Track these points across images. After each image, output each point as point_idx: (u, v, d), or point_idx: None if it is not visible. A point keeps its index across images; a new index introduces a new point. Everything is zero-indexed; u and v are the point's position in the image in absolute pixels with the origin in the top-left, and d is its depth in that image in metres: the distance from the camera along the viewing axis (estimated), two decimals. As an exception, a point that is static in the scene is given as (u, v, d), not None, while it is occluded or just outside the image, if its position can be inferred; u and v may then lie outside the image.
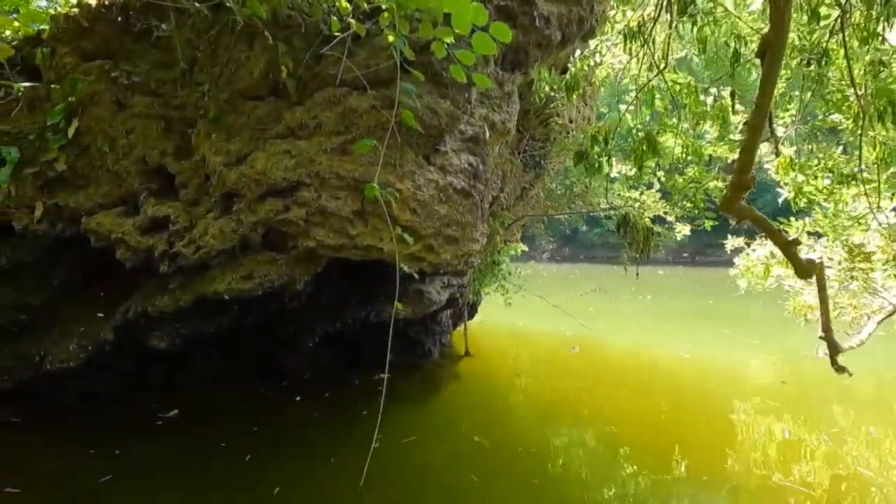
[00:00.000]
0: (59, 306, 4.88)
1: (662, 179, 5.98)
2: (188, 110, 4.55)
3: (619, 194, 7.31)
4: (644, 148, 4.31)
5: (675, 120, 4.43)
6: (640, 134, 4.37)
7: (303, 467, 4.17)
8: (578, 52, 6.08)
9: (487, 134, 4.92)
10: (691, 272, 24.81)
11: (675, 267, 30.27)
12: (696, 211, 4.73)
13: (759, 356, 8.00)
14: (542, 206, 7.38)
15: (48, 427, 4.42)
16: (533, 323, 9.63)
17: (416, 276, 3.93)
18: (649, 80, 4.16)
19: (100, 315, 4.68)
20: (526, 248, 8.00)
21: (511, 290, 8.13)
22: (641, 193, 7.14)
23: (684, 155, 4.41)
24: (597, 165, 4.44)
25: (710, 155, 4.73)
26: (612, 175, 5.14)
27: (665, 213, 6.62)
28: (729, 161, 4.64)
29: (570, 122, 7.35)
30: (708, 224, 4.74)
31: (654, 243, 4.92)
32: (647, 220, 5.05)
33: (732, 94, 3.32)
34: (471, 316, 8.38)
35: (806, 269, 3.33)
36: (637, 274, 5.18)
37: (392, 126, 3.95)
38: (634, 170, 4.60)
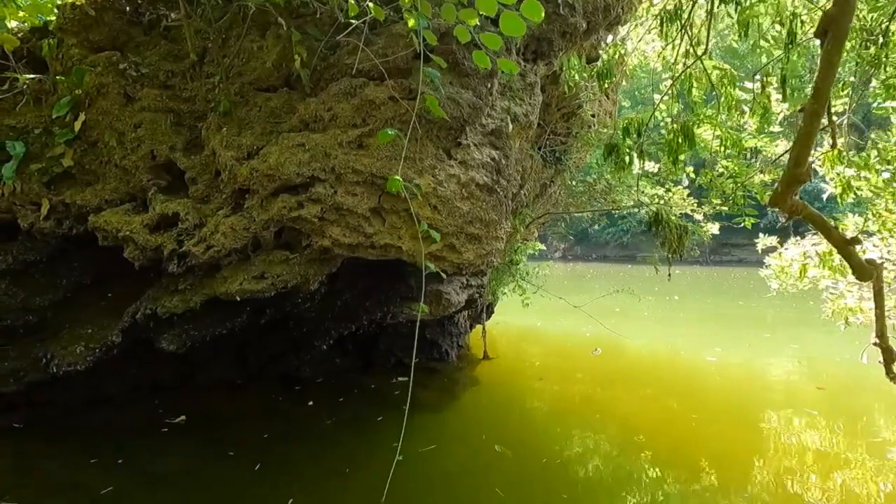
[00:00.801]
0: (68, 307, 4.73)
1: (692, 175, 5.68)
2: (198, 103, 4.36)
3: (643, 191, 7.01)
4: (679, 140, 4.02)
5: (711, 111, 4.14)
6: (673, 125, 4.09)
7: (317, 478, 3.97)
8: (603, 42, 5.80)
9: (510, 127, 4.67)
10: (709, 272, 24.25)
11: (691, 267, 29.70)
12: (735, 208, 4.44)
13: (793, 360, 7.64)
14: (563, 204, 7.11)
15: (51, 432, 4.26)
16: (551, 324, 9.37)
17: (443, 275, 3.70)
18: (687, 67, 3.88)
19: (108, 316, 4.51)
20: (543, 248, 7.73)
21: (529, 290, 7.88)
22: (668, 190, 6.84)
23: (722, 148, 4.12)
24: (627, 160, 4.16)
25: (753, 148, 4.42)
26: (639, 171, 4.85)
27: (693, 210, 6.32)
28: (775, 154, 4.34)
29: (593, 116, 7.07)
30: (749, 222, 4.46)
31: (688, 242, 4.63)
32: (680, 218, 4.76)
33: (784, 80, 3.04)
34: (487, 317, 8.15)
35: (865, 271, 3.05)
36: (669, 275, 4.91)
37: (412, 118, 3.72)
38: (663, 165, 4.32)
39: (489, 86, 4.39)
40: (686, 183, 5.71)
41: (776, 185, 2.98)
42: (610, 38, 6.35)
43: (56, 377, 4.22)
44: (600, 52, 6.23)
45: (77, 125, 4.05)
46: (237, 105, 4.23)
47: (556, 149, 6.90)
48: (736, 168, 4.42)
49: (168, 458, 4.03)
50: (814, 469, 4.21)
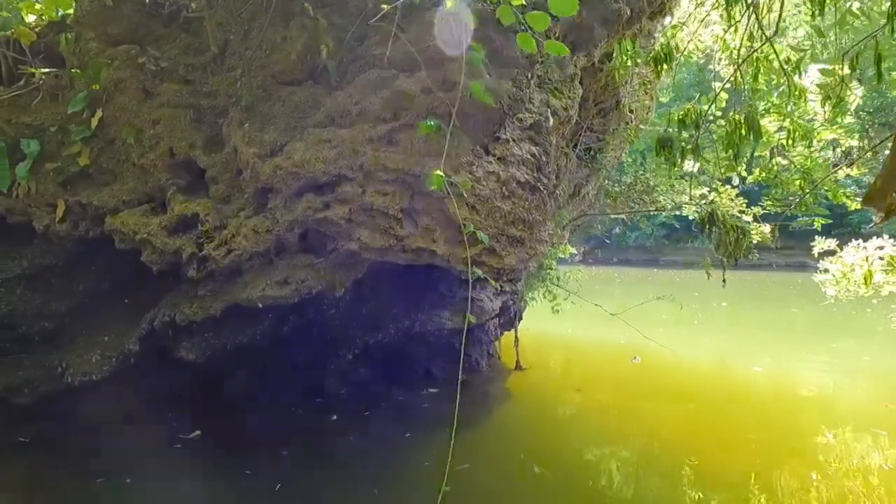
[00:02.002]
0: (85, 314, 4.54)
1: (743, 174, 5.24)
2: (219, 98, 4.13)
3: (684, 192, 6.57)
4: (742, 132, 3.62)
5: (777, 100, 3.73)
6: (735, 116, 3.68)
7: (341, 500, 3.66)
8: (649, 32, 5.41)
9: (550, 121, 4.32)
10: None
11: (717, 270, 28.76)
12: (803, 207, 4.01)
13: (857, 373, 7.06)
14: (598, 205, 6.71)
15: (57, 447, 4.00)
16: (583, 331, 8.92)
17: (495, 284, 3.37)
18: (753, 51, 3.48)
19: (126, 323, 4.30)
20: (574, 251, 7.33)
21: (561, 295, 7.48)
22: (712, 190, 6.39)
23: (790, 140, 3.70)
24: (681, 155, 3.77)
25: (820, 141, 3.99)
26: (692, 168, 4.42)
27: (741, 211, 5.86)
28: (850, 147, 3.89)
29: (631, 112, 6.66)
30: (819, 222, 4.02)
31: (747, 245, 4.20)
32: (736, 218, 4.33)
33: (878, 59, 2.63)
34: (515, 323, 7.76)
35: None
36: (724, 281, 4.48)
37: (451, 111, 3.40)
38: (717, 161, 3.91)
39: (529, 76, 4.06)
40: (736, 182, 5.27)
41: (874, 180, 2.57)
42: (652, 29, 5.96)
43: (71, 388, 4.01)
44: (642, 43, 5.84)
45: (94, 122, 3.85)
46: (260, 100, 3.98)
47: (591, 146, 6.51)
48: (808, 163, 3.98)
49: (181, 477, 3.74)
50: (880, 493, 3.74)
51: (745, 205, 5.83)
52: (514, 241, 3.62)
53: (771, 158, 4.19)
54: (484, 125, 3.83)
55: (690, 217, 6.83)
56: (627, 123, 6.72)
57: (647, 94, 7.27)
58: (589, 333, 8.81)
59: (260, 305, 3.85)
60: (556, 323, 8.29)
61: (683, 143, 3.74)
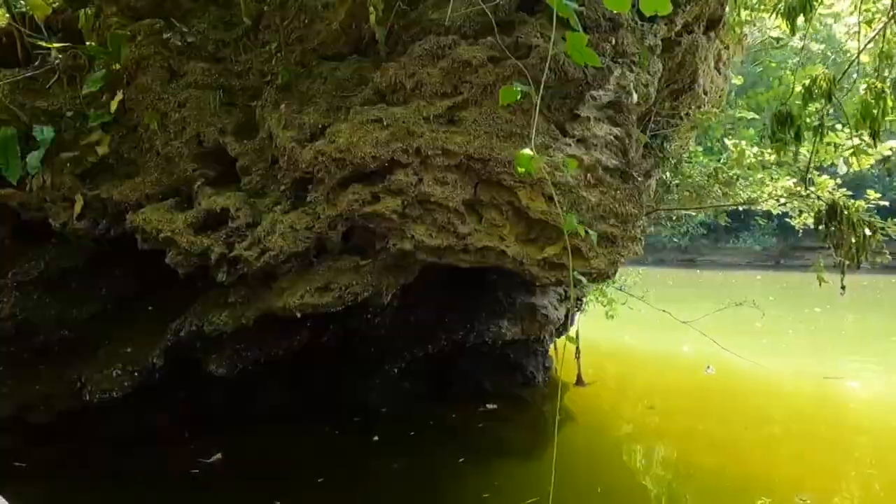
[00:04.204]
0: (108, 322, 4.11)
1: (852, 159, 4.43)
2: (252, 77, 3.63)
3: (767, 183, 5.76)
4: (887, 103, 2.88)
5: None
6: (874, 84, 2.95)
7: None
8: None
9: (634, 97, 3.66)
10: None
11: (763, 271, 27.13)
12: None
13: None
14: (667, 199, 5.98)
15: (56, 472, 3.50)
16: (640, 339, 8.14)
17: (587, 279, 2.76)
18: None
19: (150, 333, 3.84)
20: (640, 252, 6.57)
21: (619, 298, 6.76)
22: (803, 180, 5.56)
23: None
24: (804, 132, 3.05)
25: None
26: (813, 148, 3.63)
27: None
28: None
29: (705, 93, 5.90)
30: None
31: (877, 243, 3.45)
32: (862, 212, 3.57)
33: None
34: (564, 330, 7.07)
35: None
36: (843, 288, 3.71)
37: (525, 81, 2.79)
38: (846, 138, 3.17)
39: (613, 42, 3.41)
40: (844, 170, 4.47)
41: None
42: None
43: (89, 406, 3.57)
44: (725, 9, 5.11)
45: (113, 105, 3.40)
46: (298, 77, 3.45)
47: (659, 133, 5.79)
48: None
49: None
50: None
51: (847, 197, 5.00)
52: (604, 239, 2.98)
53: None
54: (560, 100, 3.21)
55: (774, 212, 6.02)
56: (699, 107, 5.96)
57: (719, 73, 6.50)
58: (646, 342, 8.02)
59: (298, 315, 3.32)
60: (608, 330, 7.55)
61: (808, 120, 3.02)
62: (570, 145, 3.15)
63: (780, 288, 19.02)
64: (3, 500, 1.72)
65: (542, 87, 2.37)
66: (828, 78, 2.95)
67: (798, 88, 2.95)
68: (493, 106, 3.05)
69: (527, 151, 2.19)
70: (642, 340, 8.11)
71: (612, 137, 3.40)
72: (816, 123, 3.04)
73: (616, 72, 3.76)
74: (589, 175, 3.02)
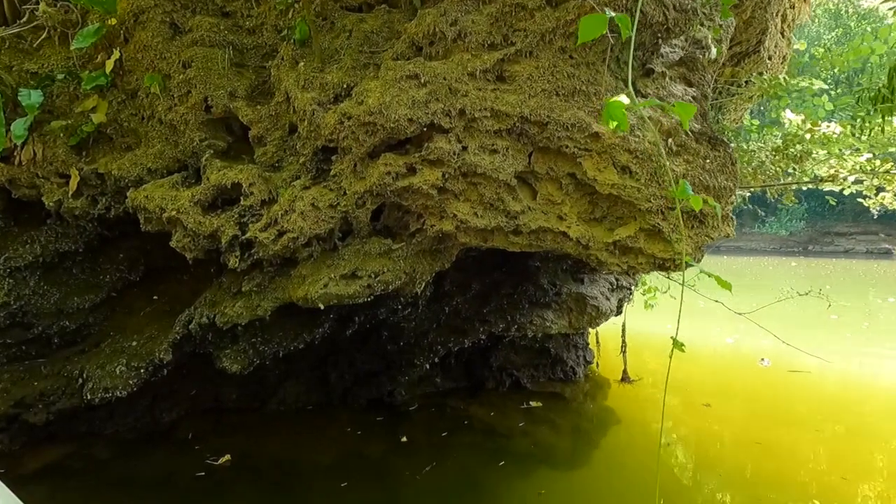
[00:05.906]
0: (113, 312, 3.75)
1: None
2: (266, 34, 3.15)
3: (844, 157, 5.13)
4: None
5: None
6: None
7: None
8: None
9: (712, 52, 3.10)
10: (846, 264, 20.97)
11: (792, 258, 25.96)
12: None
13: None
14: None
15: (47, 480, 3.17)
16: (682, 329, 7.56)
17: (636, 273, 2.28)
18: None
19: (157, 325, 3.47)
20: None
21: (660, 287, 6.23)
22: (875, 156, 4.93)
23: None
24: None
25: None
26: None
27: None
28: None
29: (769, 58, 5.26)
30: None
31: None
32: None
33: None
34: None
35: None
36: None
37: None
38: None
39: (688, -14, 2.84)
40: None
41: None
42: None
43: (90, 405, 3.22)
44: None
45: (109, 65, 2.96)
46: (318, 31, 2.97)
47: (715, 101, 5.18)
48: None
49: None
50: None
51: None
52: (690, 218, 2.47)
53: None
54: (633, 50, 2.68)
55: (846, 192, 5.39)
56: (761, 74, 5.33)
57: (783, 37, 5.82)
58: (690, 332, 7.45)
59: (321, 307, 2.89)
60: (646, 320, 7.01)
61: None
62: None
63: (825, 274, 18.04)
64: (6, 488, 1.41)
65: (635, 22, 1.85)
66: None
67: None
68: (552, 58, 2.54)
69: (621, 98, 1.69)
70: (685, 329, 7.53)
71: (689, 98, 2.87)
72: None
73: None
74: (671, 140, 2.50)
